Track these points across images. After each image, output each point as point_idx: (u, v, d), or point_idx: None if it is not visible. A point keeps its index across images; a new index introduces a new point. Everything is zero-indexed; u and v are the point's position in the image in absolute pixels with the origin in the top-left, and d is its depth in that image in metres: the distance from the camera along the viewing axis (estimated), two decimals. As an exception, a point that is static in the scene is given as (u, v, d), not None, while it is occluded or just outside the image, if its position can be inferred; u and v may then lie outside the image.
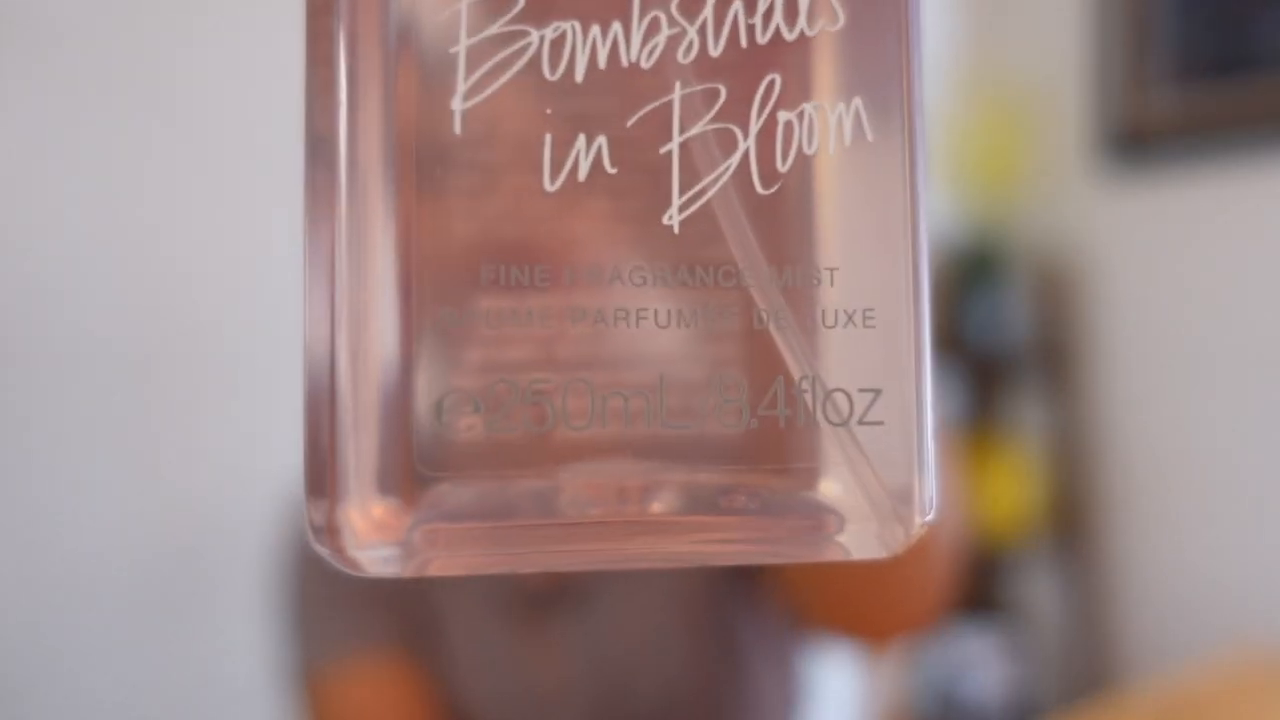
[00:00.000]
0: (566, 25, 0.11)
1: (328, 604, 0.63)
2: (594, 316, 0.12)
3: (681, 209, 0.12)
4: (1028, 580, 1.84)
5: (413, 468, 0.13)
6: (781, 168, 0.12)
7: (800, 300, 0.12)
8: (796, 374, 0.12)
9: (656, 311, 0.12)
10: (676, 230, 0.12)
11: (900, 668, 1.71)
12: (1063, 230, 1.79)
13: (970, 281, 1.74)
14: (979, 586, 1.73)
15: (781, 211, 0.12)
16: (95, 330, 1.14)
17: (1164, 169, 1.66)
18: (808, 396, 0.12)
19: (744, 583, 0.55)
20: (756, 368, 0.12)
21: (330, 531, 0.12)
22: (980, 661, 1.70)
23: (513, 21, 0.11)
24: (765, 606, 0.56)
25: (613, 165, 0.12)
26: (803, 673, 0.60)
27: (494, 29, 0.11)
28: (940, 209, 1.92)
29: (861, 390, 0.12)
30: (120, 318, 1.16)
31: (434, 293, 0.13)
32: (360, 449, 0.13)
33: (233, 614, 1.16)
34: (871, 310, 0.12)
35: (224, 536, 1.19)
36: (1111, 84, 1.70)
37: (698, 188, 0.12)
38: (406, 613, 0.62)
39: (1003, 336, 1.76)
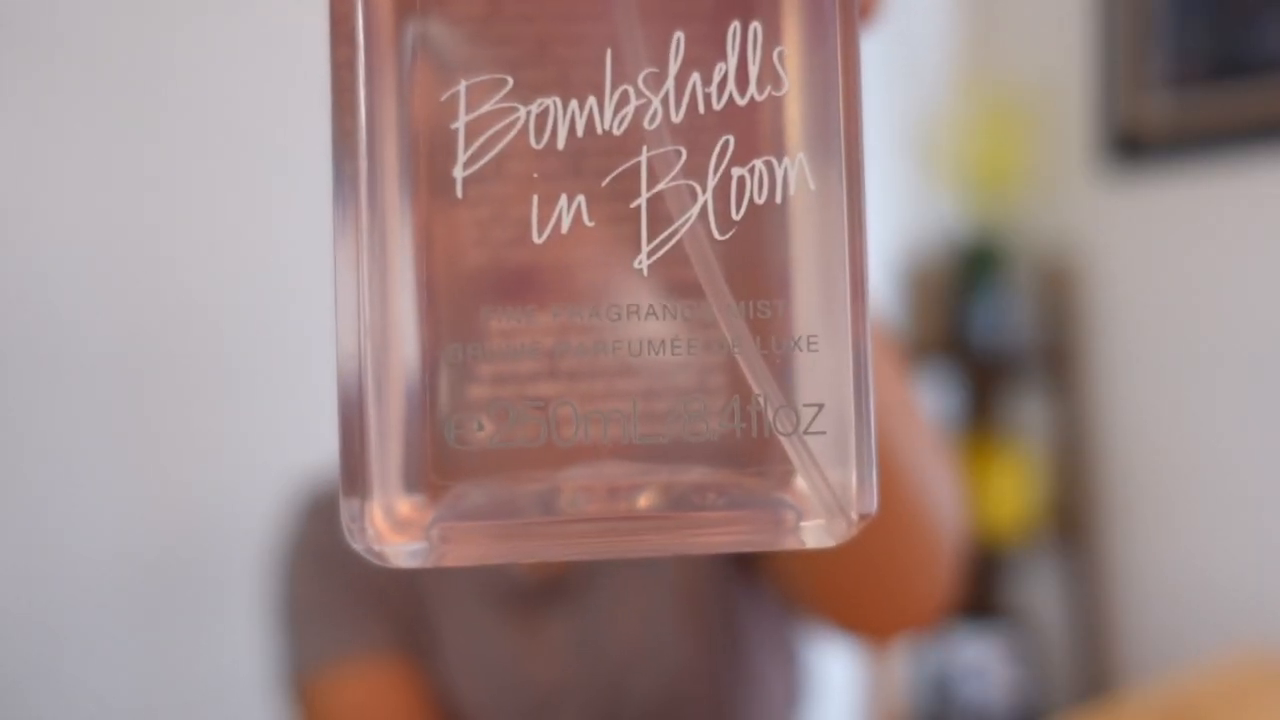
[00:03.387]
0: (549, 100, 0.14)
1: (322, 606, 0.62)
2: (589, 345, 0.15)
3: (650, 254, 0.14)
4: (1028, 582, 1.84)
5: (432, 473, 0.15)
6: (735, 216, 0.14)
7: (757, 328, 0.14)
8: (756, 391, 0.14)
9: (642, 342, 0.14)
10: (645, 274, 0.14)
11: (901, 669, 1.70)
12: (1064, 231, 1.77)
13: (971, 282, 1.73)
14: (980, 588, 1.73)
15: (737, 253, 0.14)
16: (95, 330, 1.13)
17: (1164, 171, 1.65)
18: (764, 410, 0.14)
19: (744, 575, 0.55)
20: (723, 387, 0.14)
21: (361, 530, 0.15)
22: (981, 663, 1.69)
23: (501, 101, 0.13)
24: (766, 599, 0.56)
25: (590, 219, 0.14)
26: (805, 666, 0.60)
27: (488, 106, 0.13)
28: (942, 211, 1.90)
29: (807, 405, 0.14)
30: (120, 318, 1.15)
31: (448, 315, 0.15)
32: (386, 455, 0.15)
33: (230, 614, 1.14)
34: (815, 336, 0.14)
35: (222, 537, 1.17)
36: (1112, 86, 1.69)
37: (663, 236, 0.14)
38: (401, 614, 0.61)
39: (1004, 337, 1.74)
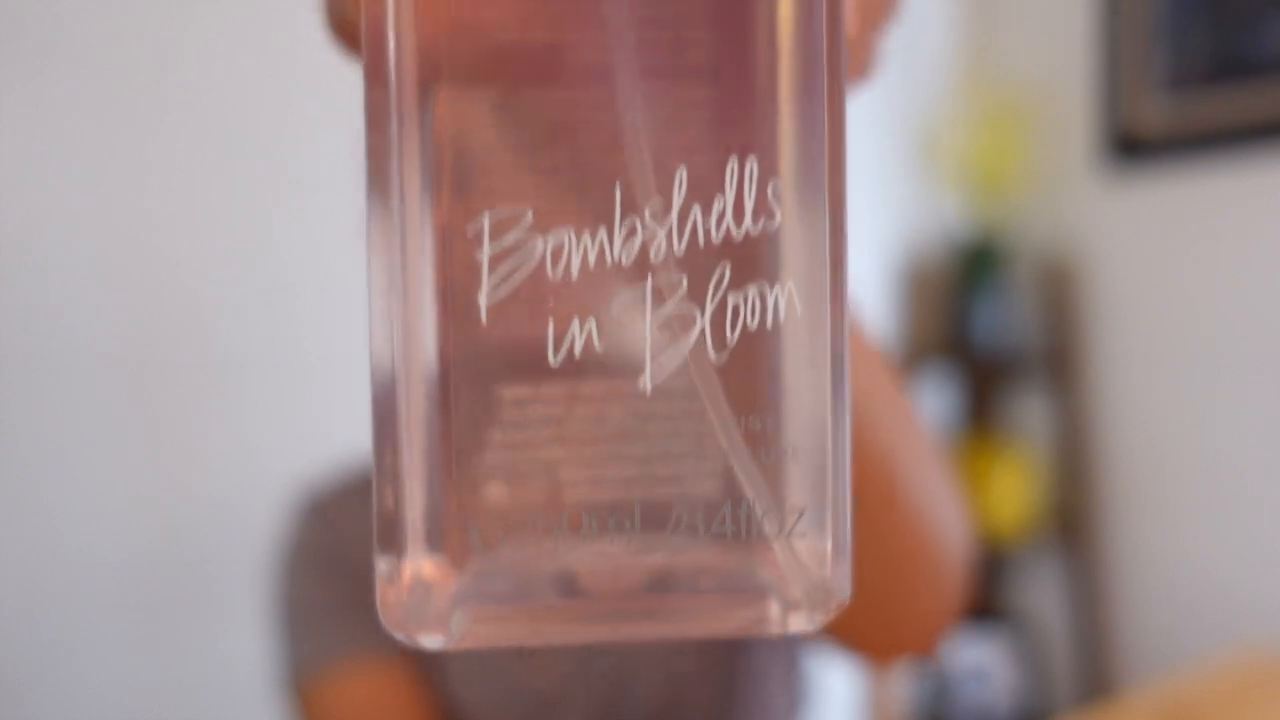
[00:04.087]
0: (564, 231, 0.15)
1: (320, 608, 0.62)
2: (600, 456, 0.16)
3: (653, 374, 0.15)
4: (1029, 583, 1.83)
5: (454, 544, 0.17)
6: (730, 339, 0.16)
7: (750, 440, 0.16)
8: (748, 495, 0.16)
9: (645, 452, 0.16)
10: (649, 391, 0.15)
11: (902, 672, 1.71)
12: (1064, 233, 1.77)
13: (972, 282, 1.73)
14: (981, 590, 1.73)
15: (733, 372, 0.16)
16: (95, 331, 1.13)
17: (1165, 171, 1.64)
18: (754, 513, 0.16)
19: None
20: (718, 491, 0.16)
21: (392, 615, 0.16)
22: (982, 666, 1.69)
23: (521, 231, 0.15)
24: None
25: (600, 341, 0.15)
26: (806, 669, 0.61)
27: (510, 239, 0.15)
28: (943, 211, 1.89)
29: (790, 509, 0.16)
30: (120, 319, 1.15)
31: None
32: (414, 525, 0.17)
33: (230, 615, 1.14)
34: (799, 448, 0.16)
35: (222, 537, 1.18)
36: (1113, 86, 1.69)
37: (666, 356, 0.15)
38: None
39: (1004, 337, 1.74)
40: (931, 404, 1.87)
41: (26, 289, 1.09)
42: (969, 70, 1.86)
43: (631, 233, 0.15)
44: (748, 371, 0.16)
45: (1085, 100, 1.72)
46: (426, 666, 0.61)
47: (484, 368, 0.16)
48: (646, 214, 0.15)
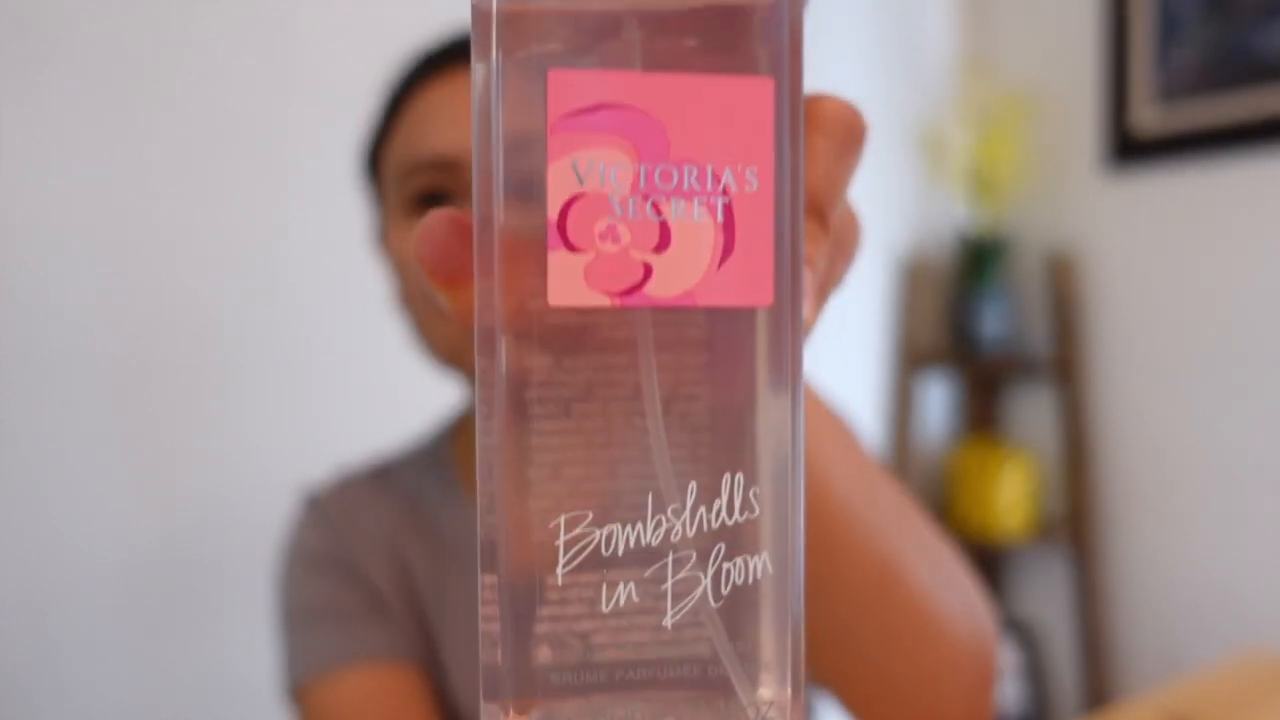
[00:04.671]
0: (614, 525, 0.23)
1: (324, 611, 0.62)
2: (635, 675, 0.24)
3: (672, 617, 0.23)
4: (1031, 586, 1.83)
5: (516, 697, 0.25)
6: (724, 592, 0.23)
7: (740, 656, 0.24)
8: (738, 691, 0.23)
9: (665, 670, 0.24)
10: (670, 629, 0.23)
11: None
12: (1066, 232, 1.75)
13: (974, 282, 1.72)
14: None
15: (727, 613, 0.24)
16: (95, 330, 1.14)
17: (1167, 171, 1.63)
18: (742, 702, 0.24)
19: None
20: (718, 692, 0.24)
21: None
22: None
23: (585, 526, 0.23)
24: None
25: (637, 597, 0.23)
26: (807, 683, 0.64)
27: (577, 530, 0.22)
28: (946, 209, 1.87)
29: (764, 700, 0.24)
30: (121, 318, 1.16)
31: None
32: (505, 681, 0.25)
33: (230, 615, 1.17)
34: (771, 660, 0.24)
35: (222, 537, 1.19)
36: (1118, 86, 1.68)
37: (680, 605, 0.23)
38: (399, 618, 0.62)
39: (1007, 336, 1.73)
40: (933, 403, 1.86)
41: (26, 289, 1.11)
42: (971, 69, 1.83)
43: (659, 525, 0.23)
44: (737, 613, 0.24)
45: (1087, 99, 1.70)
46: (428, 671, 0.62)
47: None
48: (669, 512, 0.23)
